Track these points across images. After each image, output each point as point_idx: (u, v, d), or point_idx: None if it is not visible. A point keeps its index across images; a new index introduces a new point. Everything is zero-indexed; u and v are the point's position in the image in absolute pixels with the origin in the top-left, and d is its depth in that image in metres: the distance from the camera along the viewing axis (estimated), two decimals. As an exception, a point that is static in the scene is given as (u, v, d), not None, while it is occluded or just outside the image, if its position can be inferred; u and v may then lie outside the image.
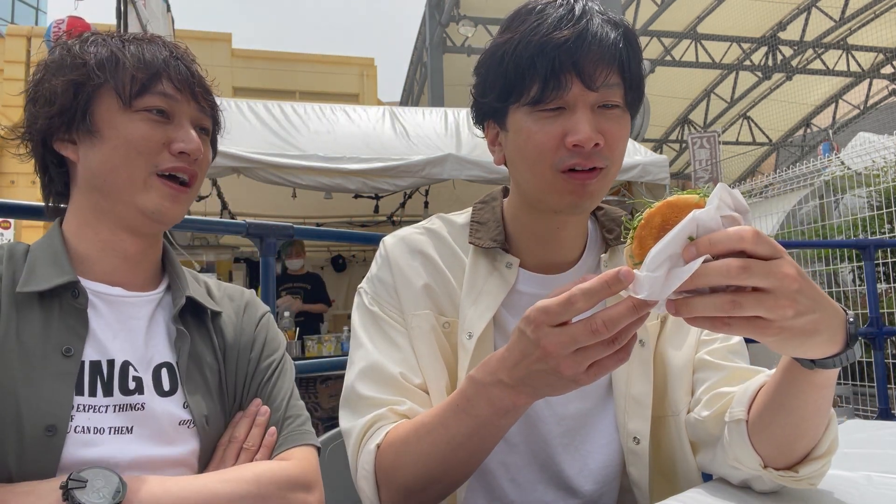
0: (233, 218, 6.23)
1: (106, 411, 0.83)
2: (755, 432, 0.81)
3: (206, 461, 0.90)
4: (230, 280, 7.23)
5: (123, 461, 0.82)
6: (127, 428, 0.84)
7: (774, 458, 0.80)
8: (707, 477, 0.96)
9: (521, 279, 1.00)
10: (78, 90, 0.89)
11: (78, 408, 0.81)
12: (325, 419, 4.40)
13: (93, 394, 0.83)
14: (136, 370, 0.87)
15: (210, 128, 1.00)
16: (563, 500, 0.97)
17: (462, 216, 1.08)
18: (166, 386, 0.89)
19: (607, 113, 0.91)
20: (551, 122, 0.90)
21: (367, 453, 0.89)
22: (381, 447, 0.89)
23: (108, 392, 0.84)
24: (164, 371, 0.90)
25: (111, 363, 0.86)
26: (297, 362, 1.09)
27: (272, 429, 0.93)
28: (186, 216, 1.20)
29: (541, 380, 0.72)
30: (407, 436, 0.87)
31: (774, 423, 0.79)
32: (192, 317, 0.96)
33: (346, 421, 0.96)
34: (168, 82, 0.92)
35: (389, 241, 1.06)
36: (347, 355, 1.04)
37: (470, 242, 1.02)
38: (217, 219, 3.88)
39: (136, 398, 0.86)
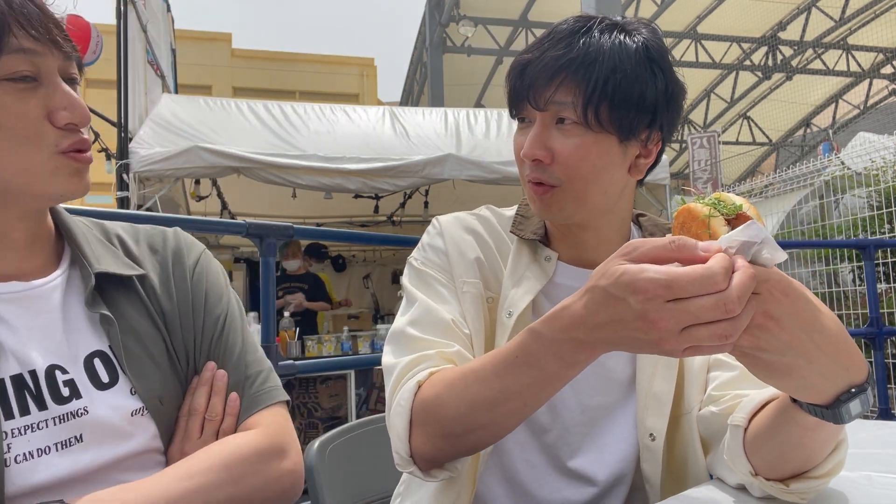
0: (233, 218, 6.23)
1: (46, 426, 0.73)
2: (750, 444, 0.81)
3: (169, 437, 0.82)
4: (230, 280, 7.22)
5: (80, 475, 0.73)
6: (76, 437, 0.74)
7: (766, 470, 0.79)
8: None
9: (559, 271, 1.04)
10: None
11: (13, 433, 0.71)
12: (325, 419, 4.40)
13: (24, 412, 0.72)
14: (64, 372, 0.76)
15: (77, 75, 0.80)
16: (575, 487, 0.99)
17: (510, 210, 1.14)
18: (105, 377, 0.78)
19: (563, 130, 0.93)
20: (521, 135, 0.98)
21: (407, 390, 0.88)
22: (422, 386, 0.88)
23: (41, 406, 0.73)
24: (97, 362, 0.79)
25: (34, 373, 0.74)
26: (297, 362, 1.09)
27: (233, 395, 0.85)
28: (186, 216, 1.19)
29: (629, 343, 0.67)
30: (453, 380, 0.85)
31: (768, 444, 0.78)
32: (114, 288, 0.82)
33: (389, 357, 0.96)
34: (22, 32, 0.71)
35: (444, 218, 1.12)
36: (347, 355, 1.05)
37: (512, 232, 1.07)
38: (217, 219, 3.88)
39: (74, 404, 0.75)
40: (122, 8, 4.68)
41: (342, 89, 17.59)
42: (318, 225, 7.04)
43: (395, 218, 7.44)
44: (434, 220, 1.12)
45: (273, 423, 0.84)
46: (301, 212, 6.70)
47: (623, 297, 0.63)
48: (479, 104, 14.96)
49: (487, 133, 5.43)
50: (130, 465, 0.77)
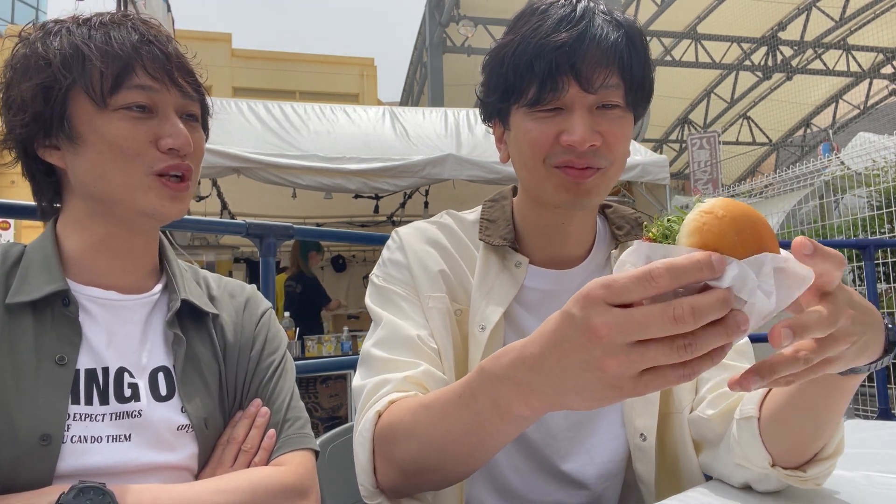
0: (233, 218, 6.23)
1: (103, 419, 0.82)
2: (767, 430, 0.80)
3: (205, 462, 0.89)
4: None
5: (122, 469, 0.81)
6: (125, 435, 0.82)
7: (784, 457, 0.79)
8: (709, 477, 0.96)
9: (529, 275, 1.01)
10: (48, 95, 0.84)
11: (74, 417, 0.80)
12: (325, 419, 4.40)
13: (89, 402, 0.82)
14: (131, 376, 0.86)
15: (198, 113, 0.93)
16: (566, 492, 0.98)
17: (472, 214, 1.10)
18: (163, 391, 0.88)
19: (607, 114, 0.91)
20: (548, 122, 0.92)
21: (367, 420, 0.86)
22: (381, 416, 0.85)
23: (104, 400, 0.83)
24: (160, 375, 0.88)
25: (106, 371, 0.84)
26: (296, 362, 1.09)
27: (271, 431, 0.92)
28: (186, 216, 1.19)
29: (571, 380, 0.57)
30: (404, 414, 0.82)
31: (791, 423, 0.78)
32: (190, 318, 0.94)
33: (358, 378, 0.95)
34: (143, 72, 0.85)
35: (403, 229, 1.08)
36: (347, 355, 1.05)
37: (480, 239, 1.03)
38: (217, 219, 3.88)
39: (132, 405, 0.84)
40: (122, 8, 4.67)
41: (342, 89, 17.59)
42: (318, 225, 7.04)
43: (395, 218, 7.43)
44: (393, 232, 1.08)
45: (301, 466, 0.90)
46: (301, 212, 6.70)
47: (568, 310, 0.56)
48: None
49: (487, 133, 5.42)
50: (165, 476, 0.84)
